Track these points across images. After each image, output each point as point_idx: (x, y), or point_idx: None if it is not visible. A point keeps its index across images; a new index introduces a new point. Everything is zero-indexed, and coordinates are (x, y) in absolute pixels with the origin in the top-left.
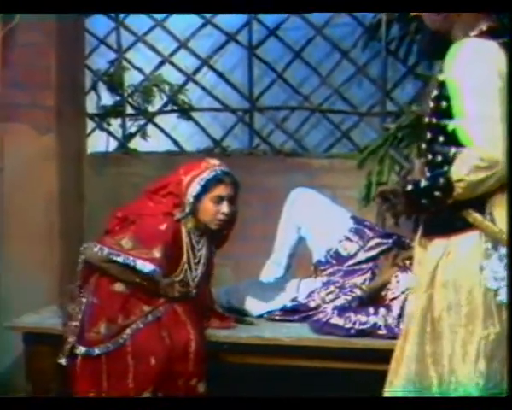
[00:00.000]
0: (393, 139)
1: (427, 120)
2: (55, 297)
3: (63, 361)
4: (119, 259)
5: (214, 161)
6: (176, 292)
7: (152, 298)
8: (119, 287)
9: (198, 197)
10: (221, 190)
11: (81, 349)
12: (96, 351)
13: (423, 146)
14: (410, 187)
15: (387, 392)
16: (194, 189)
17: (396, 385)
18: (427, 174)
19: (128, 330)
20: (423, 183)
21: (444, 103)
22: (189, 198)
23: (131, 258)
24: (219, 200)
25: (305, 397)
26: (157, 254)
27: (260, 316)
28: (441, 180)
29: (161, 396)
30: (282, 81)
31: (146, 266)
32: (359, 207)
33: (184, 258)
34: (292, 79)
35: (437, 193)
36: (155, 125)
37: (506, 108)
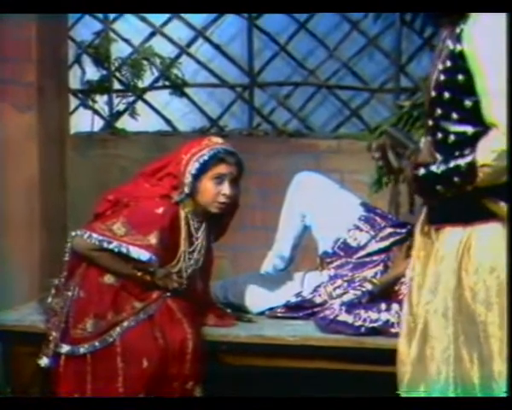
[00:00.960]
0: (408, 118)
1: (434, 94)
2: (36, 292)
3: (45, 362)
4: (111, 246)
5: (217, 139)
6: (174, 283)
7: (144, 292)
8: (108, 279)
9: (197, 176)
10: (222, 169)
11: (65, 348)
12: (82, 350)
13: (430, 123)
14: (422, 171)
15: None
16: (193, 167)
17: (425, 388)
18: (437, 156)
19: (118, 329)
20: (440, 167)
21: (460, 77)
22: (188, 177)
23: (124, 245)
24: (220, 179)
25: (305, 397)
26: (153, 240)
27: (261, 313)
28: (462, 164)
29: (157, 397)
30: (284, 54)
31: (141, 254)
32: (370, 192)
33: (182, 246)
34: (296, 52)
35: (456, 179)
36: (145, 102)
37: (506, 108)
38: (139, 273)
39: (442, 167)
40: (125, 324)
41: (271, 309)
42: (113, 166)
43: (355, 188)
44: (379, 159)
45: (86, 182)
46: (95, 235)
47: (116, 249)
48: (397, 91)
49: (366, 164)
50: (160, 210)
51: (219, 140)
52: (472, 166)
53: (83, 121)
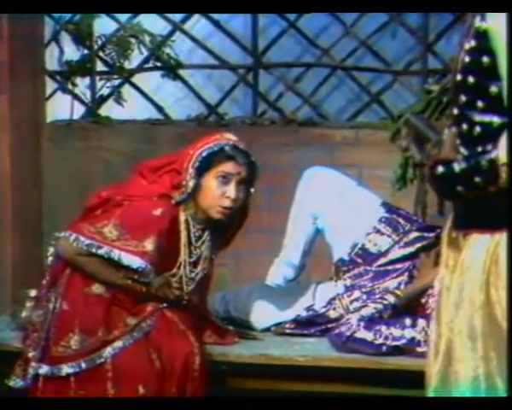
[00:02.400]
0: (437, 105)
1: (459, 77)
2: (7, 305)
3: (18, 384)
4: (101, 251)
5: (229, 136)
6: (174, 292)
7: (137, 305)
8: (97, 289)
9: (200, 172)
10: (228, 167)
11: (44, 368)
12: (65, 370)
13: (455, 112)
14: (440, 169)
15: None
16: (196, 160)
17: None
18: (462, 149)
19: (109, 349)
20: (460, 165)
21: (485, 58)
22: (191, 172)
23: (116, 251)
24: (225, 179)
25: (306, 397)
26: (149, 246)
27: (267, 329)
28: (483, 162)
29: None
30: (294, 31)
31: (134, 262)
32: (392, 191)
33: (182, 254)
34: (307, 29)
35: (477, 179)
36: (133, 86)
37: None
38: (131, 283)
39: (462, 165)
40: (118, 343)
41: (278, 325)
42: (95, 159)
43: (375, 185)
44: (406, 150)
45: (65, 178)
46: (82, 238)
47: (106, 255)
48: (424, 74)
49: (388, 158)
50: (158, 212)
51: (233, 137)
52: (493, 164)
53: (61, 108)
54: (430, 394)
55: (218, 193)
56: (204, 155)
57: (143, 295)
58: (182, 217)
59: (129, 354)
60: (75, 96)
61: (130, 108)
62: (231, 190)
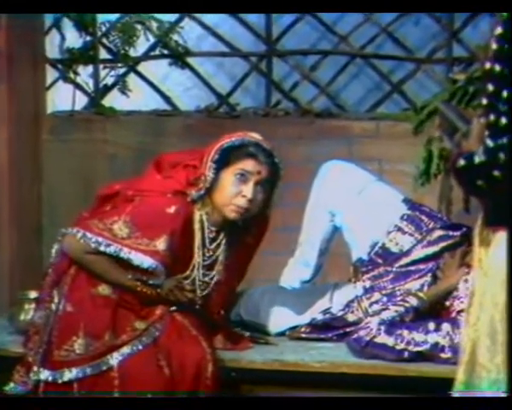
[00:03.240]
0: (463, 95)
1: (488, 65)
2: (4, 307)
3: (15, 390)
4: (110, 250)
5: (254, 134)
6: (187, 295)
7: (145, 308)
8: (103, 290)
9: (218, 167)
10: (248, 165)
11: (45, 374)
12: (67, 375)
13: (484, 101)
14: (461, 162)
15: None
16: (215, 154)
17: None
18: (488, 141)
19: (116, 354)
20: (479, 158)
21: (508, 46)
22: (209, 166)
23: (126, 249)
24: (243, 177)
25: (307, 397)
26: (161, 246)
27: (281, 333)
28: (501, 156)
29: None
30: (310, 17)
31: (145, 261)
32: (415, 186)
33: (196, 256)
34: (324, 14)
35: (496, 172)
36: (139, 74)
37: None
38: (139, 287)
39: (482, 158)
40: (126, 349)
41: (293, 329)
42: (99, 153)
43: (396, 180)
44: (439, 141)
45: (66, 173)
46: (90, 235)
47: (115, 254)
48: (448, 62)
49: (410, 151)
50: (172, 209)
51: (258, 136)
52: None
53: (62, 98)
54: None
55: (234, 191)
56: (224, 148)
57: (153, 297)
58: (197, 216)
59: (137, 360)
60: (77, 86)
61: (135, 98)
62: (248, 189)
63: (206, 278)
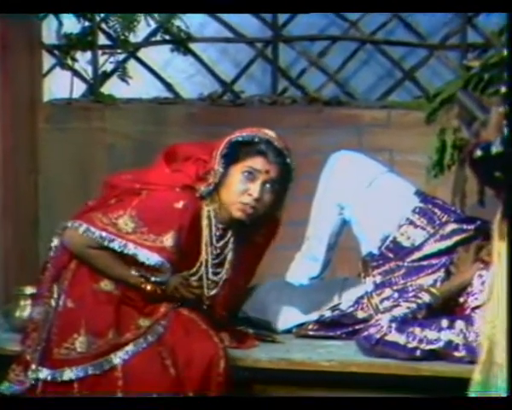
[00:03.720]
0: (478, 82)
1: (504, 52)
2: None
3: (11, 389)
4: (114, 245)
5: (268, 131)
6: (194, 291)
7: (149, 305)
8: (105, 286)
9: (227, 162)
10: (257, 163)
11: (44, 372)
12: (68, 374)
13: (503, 89)
14: (478, 152)
15: None
16: (223, 148)
17: None
18: (507, 131)
19: (120, 353)
20: (496, 148)
21: None
22: (219, 161)
23: (131, 245)
24: (251, 176)
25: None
26: (168, 242)
27: (288, 331)
28: None
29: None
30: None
31: (151, 258)
32: (428, 178)
33: (204, 254)
34: None
35: None
36: (139, 61)
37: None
38: (143, 284)
39: (500, 148)
40: (131, 347)
41: (301, 326)
42: (97, 143)
43: (408, 172)
44: (457, 131)
45: (63, 164)
46: (93, 229)
47: (120, 249)
48: (463, 48)
49: (423, 141)
50: (180, 204)
51: (273, 134)
52: None
53: (59, 85)
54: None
55: (240, 189)
56: (233, 142)
57: (157, 295)
58: (204, 212)
59: (141, 359)
60: (75, 73)
61: (135, 85)
62: (255, 188)
63: (215, 277)
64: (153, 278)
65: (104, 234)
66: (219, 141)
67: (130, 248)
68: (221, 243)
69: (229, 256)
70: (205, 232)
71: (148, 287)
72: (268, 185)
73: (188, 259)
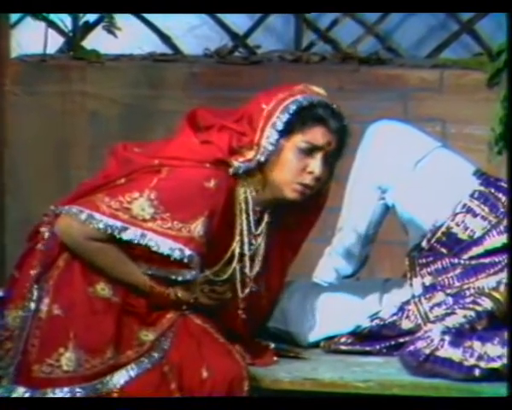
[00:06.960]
0: None
1: None
2: None
3: None
4: (127, 235)
5: (317, 89)
6: (214, 298)
7: (153, 314)
8: (102, 290)
9: (281, 136)
10: (317, 134)
11: (19, 392)
12: (50, 397)
13: None
14: None
15: None
16: (279, 119)
17: None
18: None
19: (119, 375)
20: None
21: None
22: (268, 135)
23: (150, 234)
24: (310, 150)
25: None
26: (197, 230)
27: (315, 344)
28: None
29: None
30: None
31: (176, 250)
32: (490, 155)
33: (236, 246)
34: None
35: None
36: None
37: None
38: (156, 288)
39: None
40: (132, 369)
41: (331, 339)
42: (77, 109)
43: (465, 147)
44: None
45: (36, 133)
46: (98, 216)
47: (135, 240)
48: None
49: (483, 109)
50: (212, 183)
51: (321, 91)
52: None
53: (31, 39)
54: None
55: (298, 166)
56: (291, 110)
57: (168, 301)
58: (240, 194)
59: (143, 382)
60: (50, 24)
61: (125, 39)
62: (316, 164)
63: (250, 274)
64: (179, 277)
65: (112, 222)
66: (256, 102)
67: (151, 239)
68: (259, 229)
69: (263, 246)
70: (239, 218)
71: (179, 293)
72: (327, 159)
73: (214, 252)
